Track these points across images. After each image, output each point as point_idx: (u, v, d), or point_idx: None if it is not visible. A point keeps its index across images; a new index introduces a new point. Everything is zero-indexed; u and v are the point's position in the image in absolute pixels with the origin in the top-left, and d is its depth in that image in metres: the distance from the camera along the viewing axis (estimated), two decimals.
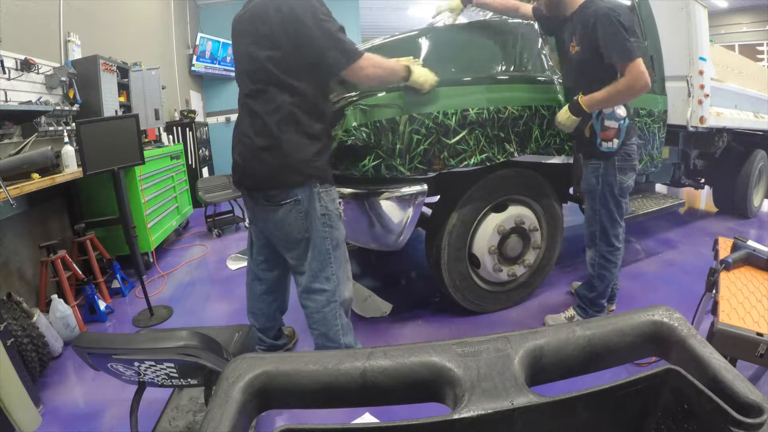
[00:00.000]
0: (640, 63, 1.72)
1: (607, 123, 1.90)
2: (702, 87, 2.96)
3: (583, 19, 1.81)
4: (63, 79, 2.94)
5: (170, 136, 5.28)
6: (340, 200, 1.77)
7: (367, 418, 1.51)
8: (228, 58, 7.77)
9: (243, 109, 1.65)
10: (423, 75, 1.80)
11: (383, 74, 1.72)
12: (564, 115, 1.94)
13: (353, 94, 2.00)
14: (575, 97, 1.90)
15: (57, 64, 3.04)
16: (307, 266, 1.66)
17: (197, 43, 7.16)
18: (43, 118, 2.78)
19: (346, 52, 1.54)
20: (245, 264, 3.42)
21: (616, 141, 1.91)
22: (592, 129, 1.94)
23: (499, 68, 2.18)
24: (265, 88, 1.56)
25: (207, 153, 6.65)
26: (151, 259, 3.43)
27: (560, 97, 2.21)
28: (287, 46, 1.50)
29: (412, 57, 1.91)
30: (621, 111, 1.90)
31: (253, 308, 1.98)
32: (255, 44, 1.55)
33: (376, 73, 1.66)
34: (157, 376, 1.30)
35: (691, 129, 3.05)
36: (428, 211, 2.38)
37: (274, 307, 1.98)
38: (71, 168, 2.64)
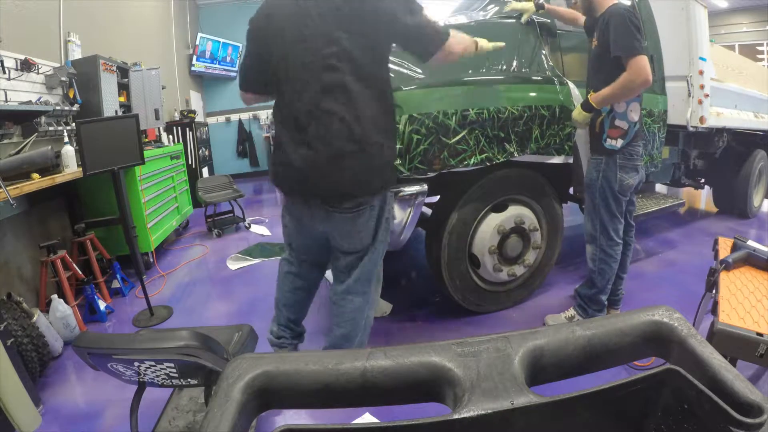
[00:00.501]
0: (642, 59, 1.79)
1: (617, 122, 1.98)
2: (702, 87, 2.96)
3: (605, 18, 1.92)
4: (63, 79, 2.94)
5: (170, 136, 5.28)
6: None
7: (367, 418, 1.51)
8: (228, 58, 7.78)
9: (308, 106, 1.41)
10: (489, 45, 1.68)
11: (464, 51, 1.55)
12: (576, 111, 2.03)
13: None
14: (587, 95, 2.01)
15: (57, 64, 3.04)
16: (359, 269, 1.60)
17: (197, 43, 7.16)
18: (43, 118, 2.78)
19: (439, 32, 1.43)
20: (246, 264, 3.43)
21: (620, 141, 1.98)
22: (601, 125, 2.01)
23: (500, 68, 2.18)
24: (341, 82, 1.36)
25: (207, 153, 6.66)
26: (151, 259, 3.43)
27: (560, 97, 2.21)
28: (375, 31, 1.35)
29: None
30: (634, 115, 1.98)
31: (286, 300, 1.88)
32: (333, 28, 1.35)
33: (460, 53, 1.52)
34: (157, 376, 1.30)
35: (691, 129, 3.05)
36: (428, 211, 2.38)
37: (307, 301, 1.93)
38: (71, 168, 2.64)
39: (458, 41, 1.50)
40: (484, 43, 1.65)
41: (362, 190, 1.45)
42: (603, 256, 2.11)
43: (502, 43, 1.73)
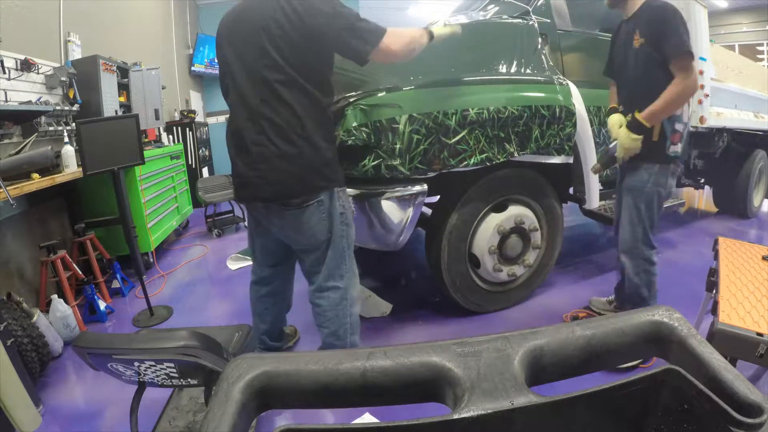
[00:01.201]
0: (693, 61, 1.69)
1: (677, 126, 1.83)
2: (702, 87, 2.96)
3: (651, 12, 1.76)
4: (63, 79, 2.94)
5: (170, 136, 5.28)
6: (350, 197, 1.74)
7: (367, 418, 1.51)
8: None
9: (247, 114, 1.53)
10: (445, 30, 1.73)
11: (410, 45, 1.60)
12: (626, 138, 1.79)
13: (353, 93, 2.00)
14: (629, 115, 1.81)
15: (57, 64, 3.04)
16: (324, 266, 1.66)
17: (197, 43, 7.16)
18: (43, 118, 2.78)
19: (372, 32, 1.48)
20: (245, 264, 3.43)
21: (680, 146, 1.85)
22: (662, 132, 1.82)
23: (499, 68, 2.18)
24: (278, 91, 1.47)
25: (207, 153, 6.65)
26: (151, 259, 3.43)
27: (560, 97, 2.20)
28: (303, 42, 1.44)
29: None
30: (685, 114, 1.86)
31: (258, 309, 1.95)
32: (266, 43, 1.46)
33: (403, 48, 1.57)
34: (157, 376, 1.30)
35: (691, 129, 3.04)
36: (428, 211, 2.38)
37: (279, 308, 1.97)
38: (71, 168, 2.64)
39: (397, 38, 1.53)
40: (439, 30, 1.67)
41: (302, 189, 1.53)
42: (648, 266, 1.95)
43: (458, 27, 1.76)
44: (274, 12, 1.44)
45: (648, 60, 1.77)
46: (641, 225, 1.91)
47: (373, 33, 1.48)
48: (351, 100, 1.96)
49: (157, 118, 4.16)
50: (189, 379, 1.32)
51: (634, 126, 1.76)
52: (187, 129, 5.71)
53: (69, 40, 3.31)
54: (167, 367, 1.24)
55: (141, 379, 1.34)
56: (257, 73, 1.49)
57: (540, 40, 2.31)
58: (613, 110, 2.00)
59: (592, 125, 2.35)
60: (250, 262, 3.45)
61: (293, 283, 2.02)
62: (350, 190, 2.01)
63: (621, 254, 2.00)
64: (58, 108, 2.91)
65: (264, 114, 1.49)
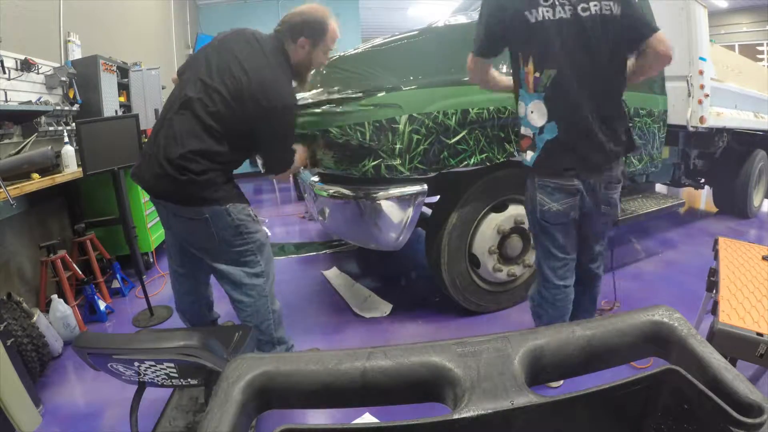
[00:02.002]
0: (469, 57, 1.58)
1: (522, 130, 1.59)
2: (702, 87, 2.96)
3: None
4: (63, 79, 2.94)
5: None
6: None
7: (367, 418, 1.51)
8: None
9: (174, 111, 1.58)
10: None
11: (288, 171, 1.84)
12: None
13: (353, 93, 2.00)
14: None
15: (57, 64, 3.04)
16: (224, 273, 1.68)
17: (197, 43, 7.16)
18: (43, 118, 2.78)
19: (281, 166, 1.76)
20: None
21: (530, 154, 1.56)
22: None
23: (499, 68, 2.18)
24: (200, 116, 1.52)
25: None
26: (151, 259, 3.42)
27: None
28: (245, 112, 1.54)
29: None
30: (537, 118, 1.51)
31: (180, 307, 1.96)
32: (206, 77, 1.56)
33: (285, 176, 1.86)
34: (157, 376, 1.29)
35: (691, 129, 3.05)
36: (428, 211, 2.38)
37: (197, 306, 1.97)
38: (71, 168, 2.64)
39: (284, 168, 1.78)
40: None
41: (187, 202, 1.58)
42: (539, 298, 1.73)
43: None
44: (241, 66, 1.54)
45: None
46: (535, 249, 1.75)
47: (283, 162, 1.75)
48: (351, 98, 1.97)
49: (156, 118, 4.16)
50: (189, 379, 1.32)
51: None
52: None
53: (69, 40, 3.31)
54: (167, 367, 1.24)
55: (141, 379, 1.34)
56: (180, 99, 1.57)
57: None
58: None
59: None
60: None
61: (209, 283, 1.98)
62: (349, 190, 2.02)
63: None
64: (58, 108, 2.91)
65: (178, 119, 1.55)
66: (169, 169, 1.52)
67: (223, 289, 1.74)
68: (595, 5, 1.38)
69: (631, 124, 1.74)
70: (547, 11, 1.39)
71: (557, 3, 1.39)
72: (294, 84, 1.71)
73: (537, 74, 1.46)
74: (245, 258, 1.68)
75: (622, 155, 1.60)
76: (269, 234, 2.85)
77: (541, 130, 1.51)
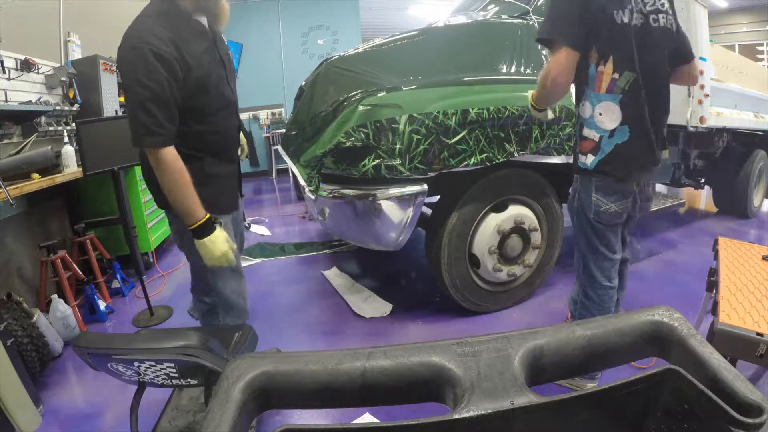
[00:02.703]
0: (563, 51, 1.40)
1: (585, 132, 1.54)
2: (702, 87, 2.96)
3: None
4: (63, 79, 2.94)
5: None
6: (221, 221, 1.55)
7: (367, 418, 1.51)
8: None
9: None
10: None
11: (173, 184, 1.35)
12: (531, 108, 1.67)
13: (353, 93, 2.00)
14: None
15: (57, 64, 3.04)
16: (191, 273, 1.65)
17: None
18: (43, 118, 2.78)
19: (138, 133, 1.34)
20: (245, 264, 3.42)
21: (590, 157, 1.52)
22: (577, 138, 1.61)
23: (500, 68, 2.18)
24: None
25: None
26: (151, 259, 3.42)
27: None
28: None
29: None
30: (608, 121, 1.47)
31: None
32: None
33: (169, 178, 1.35)
34: (157, 376, 1.29)
35: (691, 129, 3.05)
36: (428, 211, 2.38)
37: None
38: (71, 168, 2.64)
39: (172, 167, 1.35)
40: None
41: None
42: (585, 299, 1.70)
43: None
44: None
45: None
46: (578, 250, 1.70)
47: (142, 135, 1.33)
48: (351, 99, 1.97)
49: None
50: (189, 379, 1.32)
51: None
52: None
53: (69, 40, 3.31)
54: (167, 367, 1.24)
55: (141, 379, 1.34)
56: None
57: None
58: None
59: None
60: (250, 262, 3.46)
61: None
62: (349, 190, 2.02)
63: None
64: (58, 108, 2.91)
65: None
66: None
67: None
68: (663, 18, 1.44)
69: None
70: (629, 15, 1.40)
71: (634, 10, 1.41)
72: (205, 23, 1.45)
73: (615, 75, 1.43)
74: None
75: None
76: (269, 233, 2.79)
77: (612, 133, 1.47)
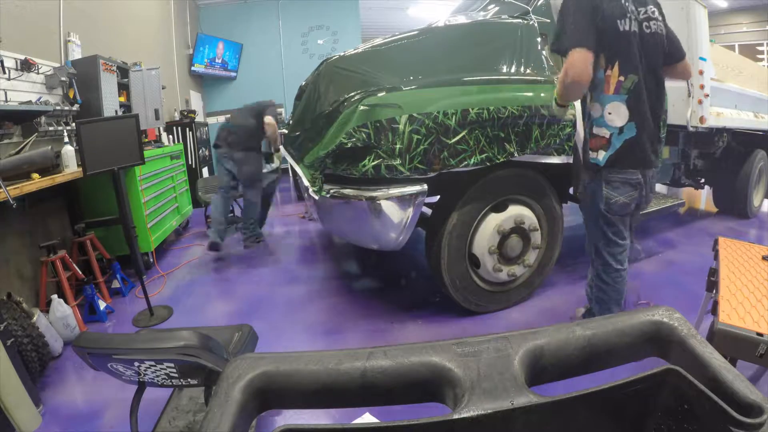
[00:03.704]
0: (575, 52, 1.53)
1: (595, 130, 1.69)
2: (702, 87, 2.96)
3: None
4: (63, 79, 2.94)
5: (170, 136, 5.28)
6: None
7: (367, 418, 1.51)
8: (227, 58, 7.77)
9: None
10: None
11: None
12: (554, 106, 1.79)
13: (353, 93, 2.00)
14: None
15: (57, 64, 3.04)
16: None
17: (197, 43, 7.16)
18: (43, 118, 2.78)
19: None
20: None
21: (602, 153, 1.67)
22: (586, 134, 1.75)
23: (500, 68, 2.18)
24: None
25: (207, 153, 6.65)
26: (151, 259, 3.42)
27: None
28: None
29: None
30: (617, 119, 1.62)
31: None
32: None
33: None
34: (157, 376, 1.29)
35: (691, 129, 3.05)
36: (428, 211, 2.38)
37: None
38: (71, 168, 2.64)
39: None
40: None
41: None
42: (600, 283, 1.88)
43: None
44: None
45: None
46: (592, 239, 1.88)
47: None
48: (352, 100, 1.97)
49: (157, 118, 4.17)
50: (189, 379, 1.32)
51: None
52: (187, 129, 5.71)
53: (69, 40, 3.31)
54: (167, 367, 1.24)
55: (141, 379, 1.34)
56: None
57: (540, 40, 2.31)
58: None
59: None
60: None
61: None
62: (349, 190, 2.02)
63: None
64: (58, 108, 2.91)
65: None
66: None
67: None
68: (654, 24, 1.63)
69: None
70: (629, 23, 1.58)
71: (632, 18, 1.60)
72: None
73: (621, 78, 1.60)
74: None
75: None
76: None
77: (621, 130, 1.64)
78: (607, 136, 1.66)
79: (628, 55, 1.59)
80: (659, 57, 1.66)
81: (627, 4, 1.59)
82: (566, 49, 1.58)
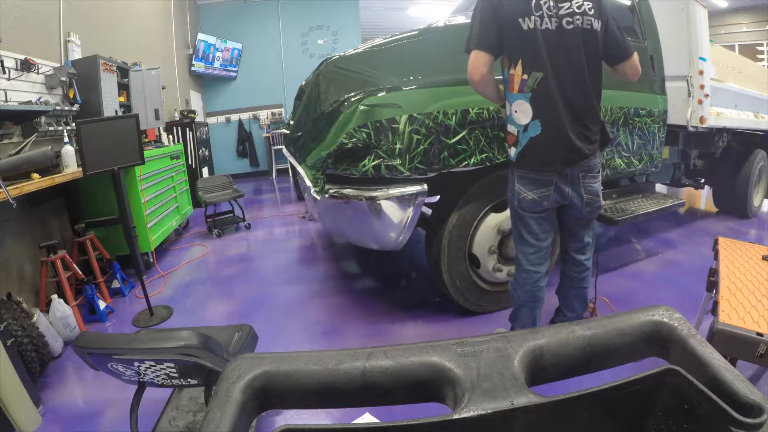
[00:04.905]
0: (472, 53, 1.60)
1: (508, 127, 1.71)
2: (702, 87, 2.96)
3: None
4: (63, 79, 2.94)
5: (170, 136, 5.28)
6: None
7: (367, 418, 1.51)
8: (227, 58, 7.77)
9: None
10: None
11: None
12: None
13: (353, 93, 2.00)
14: None
15: (57, 64, 3.04)
16: None
17: (197, 43, 7.16)
18: (43, 118, 2.78)
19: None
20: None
21: (513, 150, 1.69)
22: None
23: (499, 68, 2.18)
24: None
25: (207, 153, 6.66)
26: (151, 259, 3.43)
27: None
28: None
29: None
30: (523, 117, 1.62)
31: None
32: None
33: None
34: (157, 376, 1.30)
35: (691, 129, 3.05)
36: (428, 211, 2.38)
37: None
38: (71, 168, 2.64)
39: None
40: None
41: None
42: (512, 279, 1.88)
43: None
44: None
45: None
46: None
47: None
48: (352, 100, 1.96)
49: (157, 118, 4.17)
50: (189, 379, 1.32)
51: None
52: (187, 129, 5.71)
53: (69, 40, 3.31)
54: (167, 367, 1.24)
55: (141, 379, 1.34)
56: None
57: None
58: None
59: None
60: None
61: None
62: (349, 190, 2.02)
63: None
64: (58, 108, 2.91)
65: None
66: None
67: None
68: (578, 19, 1.55)
69: (609, 125, 1.89)
70: (537, 21, 1.54)
71: (545, 15, 1.54)
72: None
73: (525, 76, 1.58)
74: None
75: (598, 150, 1.73)
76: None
77: (526, 127, 1.63)
78: (515, 134, 1.67)
79: (531, 52, 1.56)
80: (582, 52, 1.57)
81: (538, 1, 1.53)
82: (468, 51, 1.62)
